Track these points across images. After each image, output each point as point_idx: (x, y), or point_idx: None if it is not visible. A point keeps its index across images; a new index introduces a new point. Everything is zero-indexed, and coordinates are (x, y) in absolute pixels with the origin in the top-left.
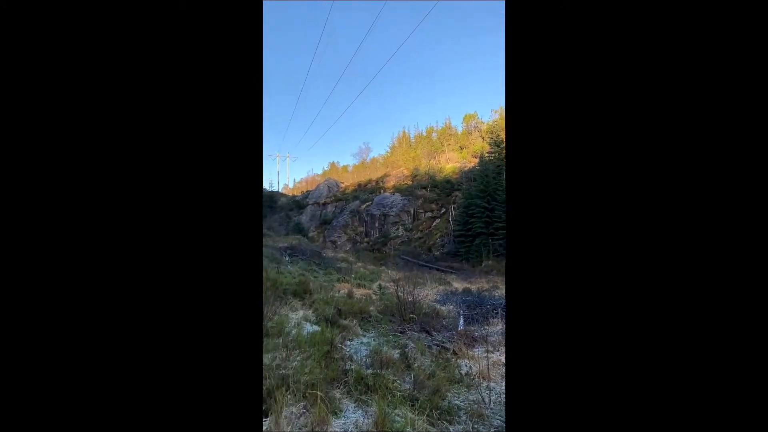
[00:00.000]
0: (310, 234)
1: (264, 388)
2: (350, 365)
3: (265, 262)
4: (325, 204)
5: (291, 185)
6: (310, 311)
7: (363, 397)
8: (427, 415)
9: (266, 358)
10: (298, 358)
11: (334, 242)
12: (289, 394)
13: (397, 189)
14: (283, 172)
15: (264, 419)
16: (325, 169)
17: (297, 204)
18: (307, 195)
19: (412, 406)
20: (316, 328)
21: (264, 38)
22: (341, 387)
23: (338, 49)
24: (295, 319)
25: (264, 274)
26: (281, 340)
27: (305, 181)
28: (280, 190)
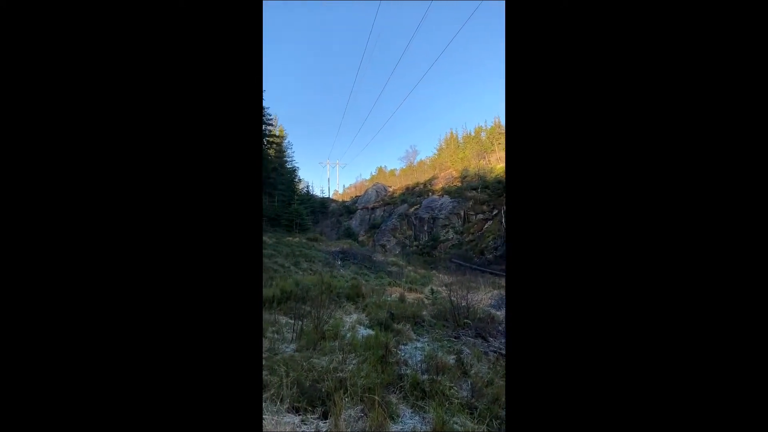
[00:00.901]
0: (360, 238)
1: (323, 390)
2: (405, 370)
3: (318, 266)
4: (373, 208)
5: (340, 191)
6: (364, 315)
7: (419, 403)
8: (487, 425)
9: (324, 361)
10: (354, 362)
11: (383, 246)
12: (347, 396)
13: (446, 191)
14: (333, 178)
15: (323, 421)
16: (373, 173)
17: (347, 209)
18: (356, 200)
19: (471, 414)
20: (370, 331)
21: (307, 48)
22: (397, 392)
23: (384, 52)
24: (350, 323)
25: (319, 277)
26: (337, 343)
27: (354, 187)
28: (330, 196)
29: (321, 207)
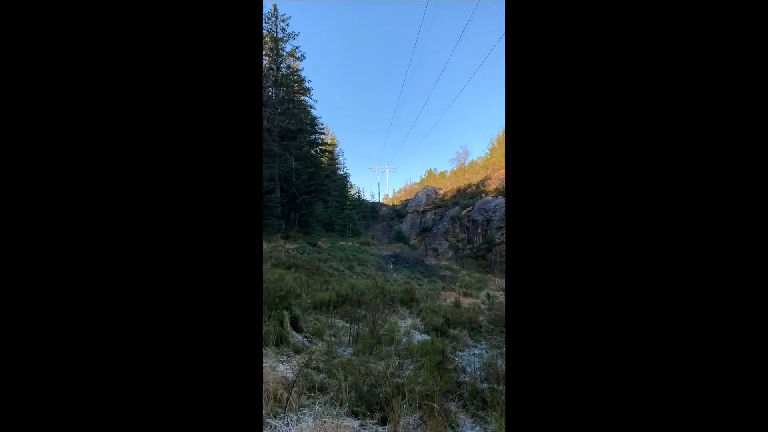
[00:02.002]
0: (411, 242)
1: (381, 395)
2: (464, 377)
3: (371, 269)
4: (424, 211)
5: (390, 195)
6: (418, 319)
7: (480, 413)
8: None
9: (380, 366)
10: (411, 367)
11: (435, 249)
12: (405, 403)
13: (500, 192)
14: (382, 183)
15: (382, 427)
16: (423, 176)
17: (397, 213)
18: (406, 204)
19: None
20: (425, 336)
21: (357, 53)
22: (456, 400)
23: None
24: (404, 327)
25: (373, 281)
26: (393, 348)
27: (404, 190)
28: (380, 201)
29: (372, 211)
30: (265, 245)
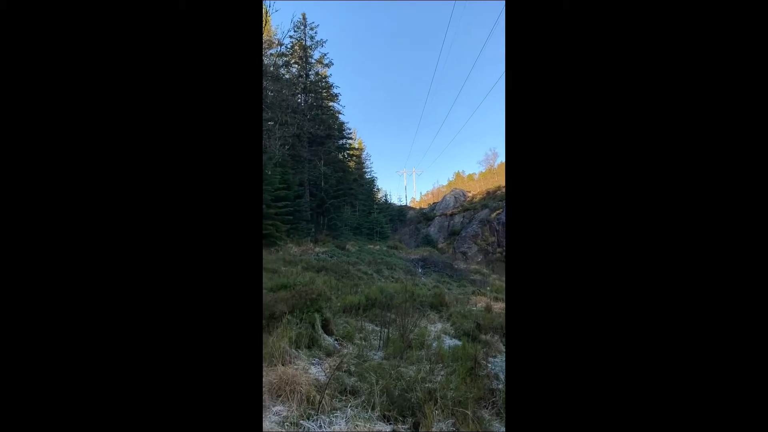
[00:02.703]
0: (439, 245)
1: (413, 400)
2: (497, 384)
3: (399, 273)
4: (452, 215)
5: (417, 198)
6: (449, 324)
7: None
8: None
9: (411, 370)
10: (442, 373)
11: (464, 253)
12: (437, 409)
13: None
14: (409, 186)
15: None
16: (450, 179)
17: (425, 216)
18: (433, 207)
19: None
20: (456, 342)
21: (383, 56)
22: (489, 407)
23: (460, 53)
24: (435, 332)
25: (402, 285)
26: (424, 353)
27: (431, 194)
28: (407, 204)
29: (399, 215)
30: (295, 249)
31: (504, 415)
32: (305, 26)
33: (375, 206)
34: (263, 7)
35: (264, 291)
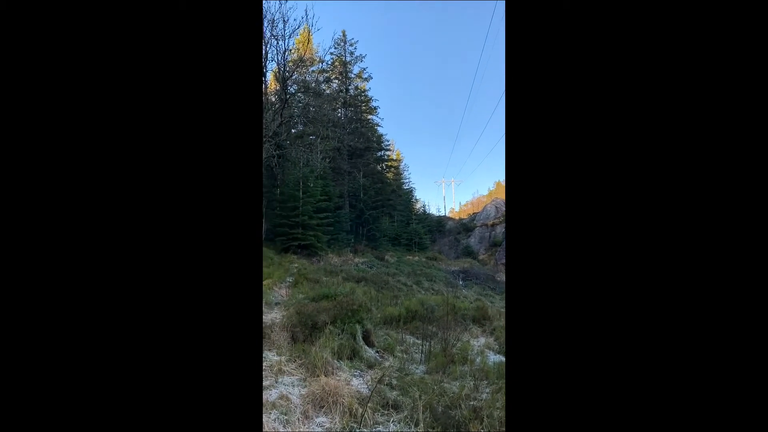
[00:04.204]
0: (480, 257)
1: (457, 417)
2: None
3: (440, 285)
4: (493, 225)
5: (456, 208)
6: (492, 339)
7: None
8: None
9: (454, 386)
10: (487, 390)
11: (506, 265)
12: (483, 428)
13: None
14: (448, 196)
15: None
16: (491, 189)
17: (464, 227)
18: (473, 217)
19: None
20: (500, 357)
21: (422, 64)
22: None
23: (501, 58)
24: (478, 347)
25: (443, 297)
26: (467, 368)
27: (471, 204)
28: (446, 215)
29: (437, 225)
30: (336, 259)
31: None
32: (345, 43)
33: (413, 216)
34: (306, 28)
35: (306, 301)
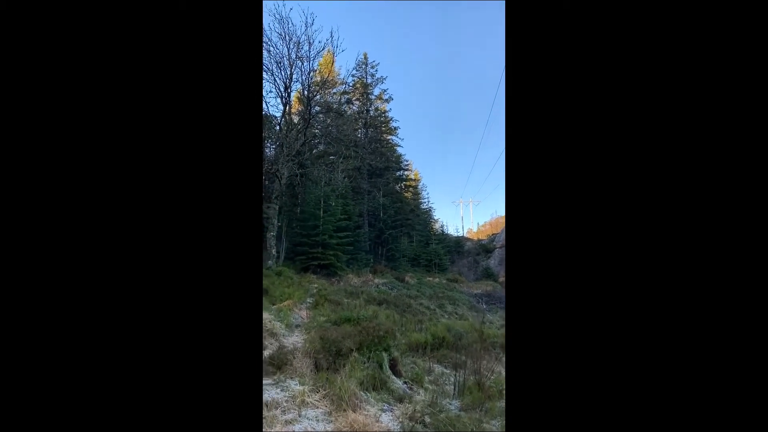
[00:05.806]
0: (501, 279)
1: None
2: None
3: (463, 309)
4: None
5: (474, 229)
6: None
7: None
8: None
9: (495, 426)
10: None
11: None
12: None
13: None
14: (466, 216)
15: None
16: None
17: (483, 248)
18: (493, 238)
19: None
20: None
21: (439, 80)
22: None
23: None
24: None
25: (470, 324)
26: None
27: (489, 224)
28: (464, 235)
29: (456, 246)
30: (355, 279)
31: None
32: (366, 65)
33: (432, 237)
34: (330, 51)
35: (328, 324)
